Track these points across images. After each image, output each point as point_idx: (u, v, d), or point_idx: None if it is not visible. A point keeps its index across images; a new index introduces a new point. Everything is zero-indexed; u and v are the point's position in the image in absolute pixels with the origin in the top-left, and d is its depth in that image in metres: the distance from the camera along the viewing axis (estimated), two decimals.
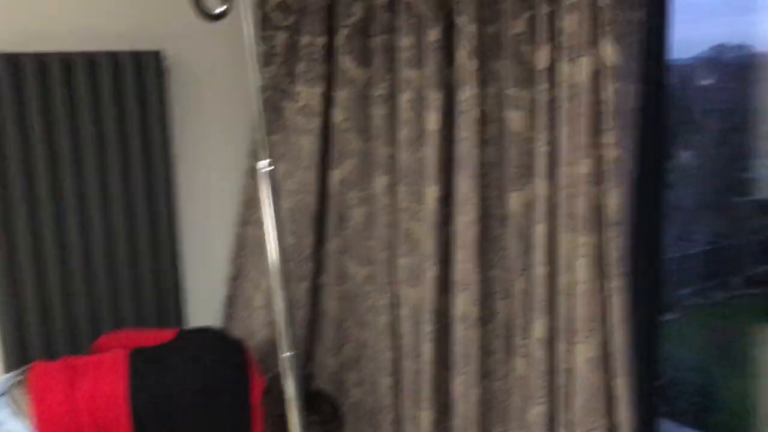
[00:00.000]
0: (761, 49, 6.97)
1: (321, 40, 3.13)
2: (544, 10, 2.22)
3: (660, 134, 2.25)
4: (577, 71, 2.20)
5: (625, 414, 2.34)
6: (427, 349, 2.85)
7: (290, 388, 2.48)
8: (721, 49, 7.31)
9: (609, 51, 1.85)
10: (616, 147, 1.92)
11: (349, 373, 3.44)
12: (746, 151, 6.49)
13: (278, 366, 2.36)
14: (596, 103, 2.00)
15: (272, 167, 2.29)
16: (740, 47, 7.07)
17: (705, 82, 7.45)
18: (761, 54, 6.97)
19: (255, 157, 2.62)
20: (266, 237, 2.30)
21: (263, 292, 3.36)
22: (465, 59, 2.70)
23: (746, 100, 6.63)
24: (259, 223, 2.75)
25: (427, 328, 2.94)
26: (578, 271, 2.40)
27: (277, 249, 2.45)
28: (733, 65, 7.21)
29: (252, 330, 3.41)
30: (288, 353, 2.32)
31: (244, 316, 3.53)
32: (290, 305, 2.36)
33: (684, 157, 6.68)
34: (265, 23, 3.28)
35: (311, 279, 3.38)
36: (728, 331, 5.11)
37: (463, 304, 2.68)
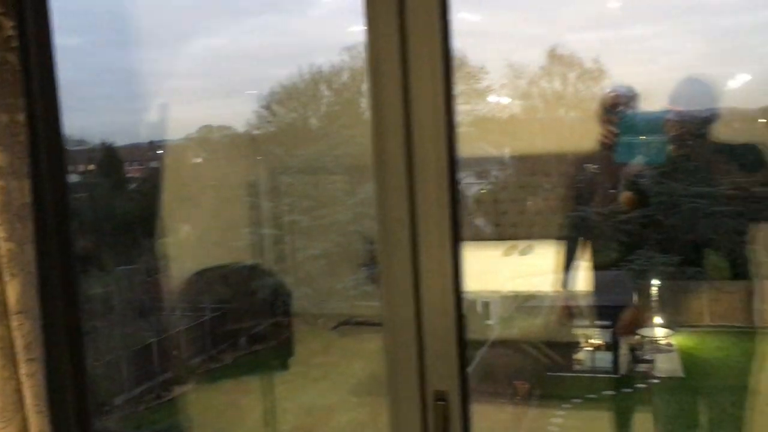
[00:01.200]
0: (240, 129, 7.73)
1: None
2: None
3: (61, 221, 2.30)
4: None
5: None
6: None
7: None
8: (207, 129, 7.92)
9: None
10: (7, 240, 1.90)
11: None
12: (238, 221, 7.10)
13: None
14: None
15: None
16: (223, 128, 7.76)
17: (196, 160, 7.95)
18: (242, 133, 7.74)
19: None
20: None
21: None
22: None
23: (232, 175, 7.24)
24: None
25: None
26: None
27: None
28: (217, 143, 7.81)
29: None
30: None
31: None
32: None
33: (183, 230, 6.93)
34: None
35: None
36: (240, 388, 5.37)
37: None
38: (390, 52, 1.42)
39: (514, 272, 5.36)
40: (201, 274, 6.11)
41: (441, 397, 1.46)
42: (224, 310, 6.73)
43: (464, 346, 1.48)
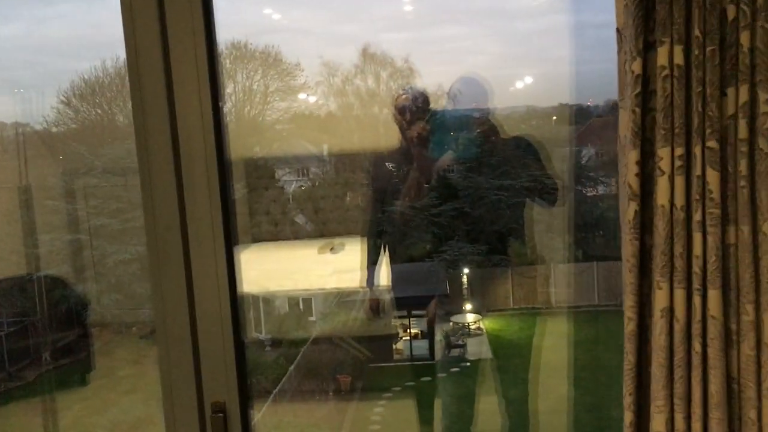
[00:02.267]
0: (37, 126, 7.09)
1: None
2: None
3: None
4: None
5: None
6: None
7: None
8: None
9: None
10: None
11: None
12: (38, 226, 6.51)
13: None
14: None
15: None
16: (17, 125, 7.08)
17: None
18: (39, 131, 7.10)
19: None
20: None
21: None
22: None
23: (29, 176, 6.62)
24: None
25: None
26: None
27: None
28: (10, 142, 7.11)
29: None
30: None
31: None
32: None
33: None
34: None
35: None
36: (38, 408, 4.92)
37: None
38: (150, 47, 1.33)
39: (327, 270, 5.39)
40: None
41: (219, 408, 1.40)
42: (25, 323, 6.16)
43: (243, 354, 1.43)
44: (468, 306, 7.18)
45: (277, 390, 5.55)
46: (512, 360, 6.37)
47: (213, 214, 1.40)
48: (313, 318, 6.88)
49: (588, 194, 7.26)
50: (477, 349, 6.71)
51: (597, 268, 6.84)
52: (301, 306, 6.82)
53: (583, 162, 7.22)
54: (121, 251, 6.70)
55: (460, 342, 6.78)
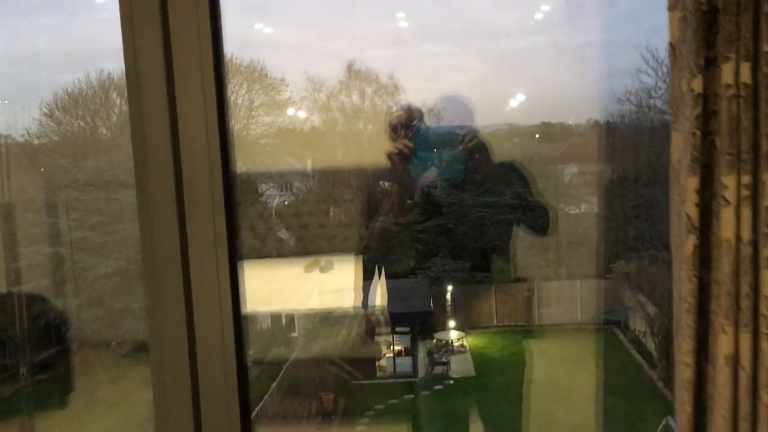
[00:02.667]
0: (19, 138, 6.84)
1: None
2: None
3: None
4: None
5: None
6: None
7: None
8: None
9: None
10: None
11: None
12: (17, 240, 6.26)
13: None
14: None
15: None
16: None
17: None
18: (21, 143, 6.86)
19: None
20: None
21: None
22: None
23: (10, 189, 6.36)
24: None
25: None
26: None
27: None
28: None
29: None
30: None
31: None
32: None
33: None
34: None
35: None
36: (13, 428, 4.67)
37: None
38: (153, 59, 1.18)
39: (316, 289, 5.20)
40: None
41: None
42: (2, 338, 5.89)
43: (246, 381, 1.27)
44: (452, 323, 7.04)
45: (258, 408, 5.35)
46: (496, 378, 6.24)
47: (217, 230, 1.24)
48: (295, 334, 6.69)
49: (570, 212, 7.18)
50: (461, 367, 6.56)
51: (580, 286, 6.75)
52: (283, 321, 6.63)
53: (565, 180, 7.16)
54: (102, 264, 6.47)
55: (443, 359, 6.63)
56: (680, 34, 1.04)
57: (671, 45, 1.07)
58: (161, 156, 1.22)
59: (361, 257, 2.95)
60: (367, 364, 6.07)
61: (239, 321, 1.28)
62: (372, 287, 3.00)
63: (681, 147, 1.04)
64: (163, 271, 1.23)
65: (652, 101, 6.47)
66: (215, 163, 1.22)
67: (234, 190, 1.27)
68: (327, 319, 5.95)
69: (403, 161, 2.64)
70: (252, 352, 6.19)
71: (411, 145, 2.55)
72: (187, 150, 1.21)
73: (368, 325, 3.18)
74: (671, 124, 1.09)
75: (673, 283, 1.07)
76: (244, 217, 7.02)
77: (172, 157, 1.22)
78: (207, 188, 1.22)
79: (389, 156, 2.23)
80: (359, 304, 2.96)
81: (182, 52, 1.19)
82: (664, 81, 6.52)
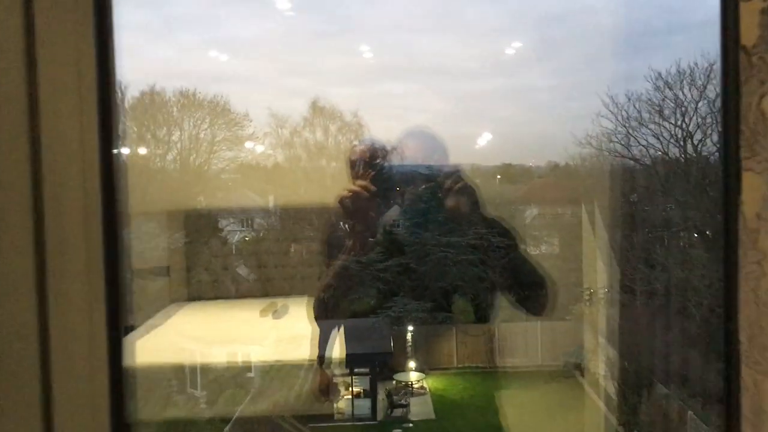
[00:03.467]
0: None
1: None
2: None
3: None
4: None
5: None
6: None
7: None
8: None
9: None
10: None
11: None
12: None
13: None
14: None
15: None
16: None
17: None
18: None
19: None
20: None
21: None
22: None
23: None
24: None
25: None
26: None
27: None
28: None
29: None
30: None
31: None
32: None
33: None
34: None
35: None
36: None
37: None
38: (12, 80, 0.80)
39: (269, 337, 4.69)
40: None
41: None
42: None
43: None
44: (412, 364, 6.61)
45: None
46: (456, 421, 5.82)
47: (92, 286, 0.81)
48: (251, 374, 6.20)
49: (532, 253, 6.89)
50: (420, 410, 6.10)
51: (540, 328, 6.41)
52: (239, 359, 6.14)
53: (526, 222, 6.88)
54: None
55: (403, 401, 6.18)
56: (760, 32, 0.69)
57: (744, 49, 0.72)
58: (17, 198, 0.82)
59: (313, 300, 2.47)
60: (324, 407, 5.60)
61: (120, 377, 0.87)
62: (331, 337, 2.57)
63: (761, 194, 0.69)
64: (16, 351, 0.83)
65: (611, 145, 6.26)
66: (93, 203, 0.83)
67: (121, 241, 0.88)
68: (278, 370, 5.45)
69: (359, 203, 2.24)
70: (204, 392, 5.65)
71: (370, 186, 2.14)
72: (52, 187, 0.82)
73: (322, 381, 2.73)
74: (741, 161, 0.74)
75: (741, 392, 0.71)
76: (199, 255, 6.55)
77: (32, 202, 0.83)
78: (80, 236, 0.82)
79: (341, 201, 1.79)
80: (314, 356, 2.52)
81: (52, 74, 0.81)
82: (624, 126, 6.35)
